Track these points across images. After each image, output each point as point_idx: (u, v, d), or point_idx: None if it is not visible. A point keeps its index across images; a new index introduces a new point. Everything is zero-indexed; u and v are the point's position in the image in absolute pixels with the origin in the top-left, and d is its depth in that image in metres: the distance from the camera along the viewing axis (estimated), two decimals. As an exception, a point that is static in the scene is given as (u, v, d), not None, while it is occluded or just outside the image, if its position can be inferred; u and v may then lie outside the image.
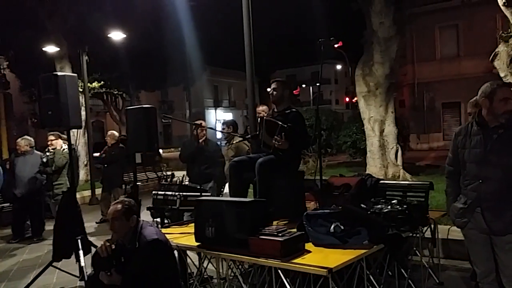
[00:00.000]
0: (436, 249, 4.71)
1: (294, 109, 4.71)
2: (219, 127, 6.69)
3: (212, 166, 6.30)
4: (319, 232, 3.50)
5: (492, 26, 20.14)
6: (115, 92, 20.58)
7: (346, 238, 3.42)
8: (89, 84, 13.41)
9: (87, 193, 12.04)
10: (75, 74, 5.12)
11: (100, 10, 13.55)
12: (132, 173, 12.78)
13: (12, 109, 21.61)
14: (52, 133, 7.80)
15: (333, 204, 4.07)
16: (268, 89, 4.84)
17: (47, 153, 7.79)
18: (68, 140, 5.09)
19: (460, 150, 3.27)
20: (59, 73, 4.82)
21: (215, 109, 49.99)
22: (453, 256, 5.40)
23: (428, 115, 23.56)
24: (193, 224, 4.23)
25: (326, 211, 3.63)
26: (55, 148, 7.73)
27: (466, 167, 3.22)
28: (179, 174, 5.99)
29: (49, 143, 7.81)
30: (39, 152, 8.19)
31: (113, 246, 3.33)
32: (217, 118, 46.74)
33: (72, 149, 7.12)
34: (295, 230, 3.62)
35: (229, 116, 47.42)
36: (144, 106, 4.63)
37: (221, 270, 3.88)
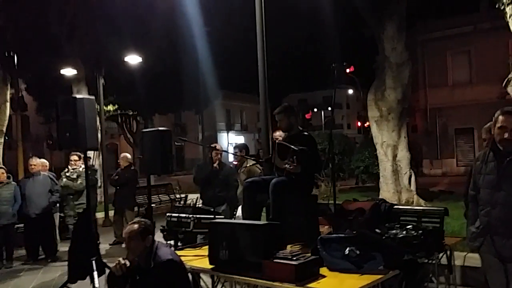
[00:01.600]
0: (453, 276, 4.63)
1: (306, 133, 4.74)
2: (231, 150, 6.74)
3: (225, 189, 6.32)
4: (334, 257, 3.48)
5: (504, 52, 20.19)
6: (130, 114, 20.86)
7: (361, 263, 3.38)
8: (104, 107, 13.63)
9: (101, 215, 12.09)
10: (93, 97, 5.24)
11: (117, 34, 13.87)
12: (144, 196, 13.00)
13: (29, 131, 21.98)
14: (77, 153, 8.04)
15: (347, 229, 4.05)
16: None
17: (67, 173, 8.02)
18: (85, 161, 5.17)
19: (477, 176, 3.29)
20: (77, 96, 4.94)
21: (227, 133, 50.24)
22: (469, 283, 5.30)
23: (441, 140, 23.42)
24: (206, 247, 4.23)
25: (340, 235, 3.61)
26: (75, 168, 7.95)
27: (480, 192, 3.24)
28: (192, 197, 6.02)
29: (72, 162, 8.10)
30: (47, 173, 8.34)
31: (128, 264, 3.35)
32: (229, 141, 46.91)
33: (93, 170, 7.17)
34: (309, 254, 3.60)
35: (241, 139, 47.60)
36: (160, 128, 4.71)
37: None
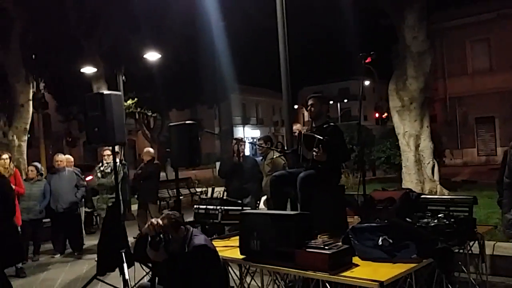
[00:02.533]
0: (484, 265, 4.59)
1: (332, 123, 4.75)
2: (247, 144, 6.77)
3: (250, 181, 6.35)
4: (366, 246, 3.48)
5: (525, 39, 19.79)
6: (149, 114, 21.05)
7: (394, 252, 3.38)
8: (124, 103, 13.74)
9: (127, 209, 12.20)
10: (120, 93, 5.31)
11: (135, 31, 13.95)
12: (166, 189, 13.11)
13: (51, 129, 22.36)
14: (109, 148, 8.02)
15: (377, 218, 4.04)
16: (303, 105, 4.89)
17: (101, 167, 8.08)
18: (113, 155, 5.24)
19: (512, 161, 3.25)
20: (105, 92, 5.00)
21: (243, 127, 50.34)
22: (499, 272, 5.25)
23: (461, 130, 23.09)
24: (235, 238, 4.27)
25: (372, 224, 3.60)
26: (109, 163, 7.95)
27: None
28: (218, 190, 6.08)
29: (105, 157, 8.12)
30: (72, 169, 8.48)
31: (161, 224, 3.37)
32: (245, 135, 46.99)
33: (123, 164, 7.20)
34: (340, 243, 3.61)
35: (257, 133, 47.67)
36: (186, 122, 4.76)
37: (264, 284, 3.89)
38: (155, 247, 3.31)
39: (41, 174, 8.30)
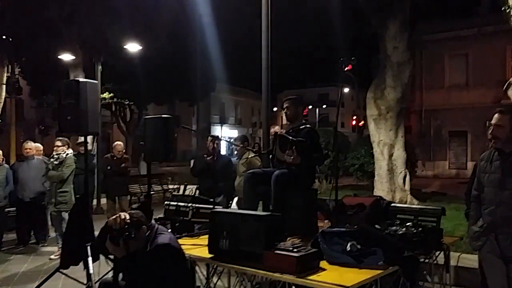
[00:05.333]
0: (449, 276, 4.66)
1: (308, 125, 4.75)
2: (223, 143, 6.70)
3: (223, 180, 6.31)
4: (335, 250, 3.49)
5: (501, 57, 20.35)
6: (126, 103, 20.72)
7: (361, 258, 3.39)
8: (101, 95, 13.51)
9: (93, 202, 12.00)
10: (97, 82, 5.18)
11: (117, 21, 13.74)
12: (137, 184, 12.93)
13: (23, 115, 21.78)
14: (60, 139, 7.57)
15: (347, 224, 4.05)
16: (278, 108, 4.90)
17: (51, 159, 7.52)
18: (85, 146, 5.13)
19: (481, 175, 3.31)
20: (81, 79, 4.87)
21: (221, 126, 50.19)
22: (463, 283, 5.35)
23: (435, 142, 23.56)
24: (204, 237, 4.22)
25: (342, 229, 3.61)
26: (59, 154, 7.41)
27: (484, 191, 3.27)
28: (190, 187, 6.00)
29: (55, 148, 7.48)
30: (41, 157, 8.21)
31: (128, 220, 3.29)
32: (223, 134, 46.84)
33: (91, 155, 6.91)
34: (309, 246, 3.60)
35: (234, 133, 47.57)
36: (163, 115, 4.67)
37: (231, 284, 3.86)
38: (115, 241, 3.23)
39: (3, 160, 8.00)
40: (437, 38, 21.93)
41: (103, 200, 11.32)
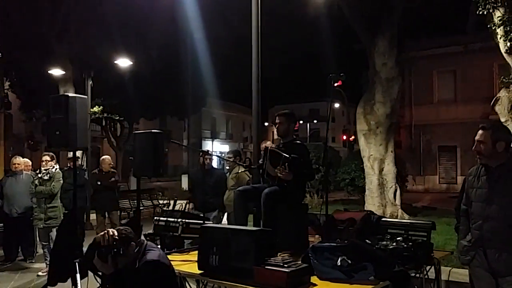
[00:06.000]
0: (439, 290, 4.65)
1: (299, 141, 4.76)
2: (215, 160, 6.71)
3: (216, 195, 6.27)
4: (325, 266, 3.46)
5: (489, 73, 20.67)
6: (116, 118, 20.65)
7: (352, 273, 3.37)
8: (91, 109, 13.48)
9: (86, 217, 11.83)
10: (86, 97, 5.17)
11: (107, 37, 13.78)
12: (126, 199, 12.82)
13: (12, 130, 21.59)
14: (47, 153, 7.57)
15: (337, 239, 4.04)
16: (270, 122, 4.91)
17: (39, 174, 7.45)
18: (74, 161, 5.08)
19: (469, 190, 3.33)
20: (70, 94, 4.85)
21: (212, 141, 50.13)
22: (453, 298, 5.34)
23: (424, 157, 23.73)
24: (194, 252, 4.18)
25: (332, 244, 3.60)
26: (48, 169, 7.37)
27: (472, 206, 3.29)
28: (180, 202, 5.97)
29: (43, 163, 7.42)
30: (30, 172, 8.12)
31: (116, 237, 3.25)
32: (214, 149, 46.77)
33: (82, 170, 6.81)
34: (299, 262, 3.58)
35: (225, 148, 47.54)
36: (152, 130, 4.66)
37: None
38: (103, 258, 3.18)
39: None
40: (426, 55, 22.24)
41: (92, 216, 11.21)
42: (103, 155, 10.51)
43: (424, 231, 4.44)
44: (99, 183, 8.71)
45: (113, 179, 8.83)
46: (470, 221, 3.32)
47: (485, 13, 7.25)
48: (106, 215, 8.87)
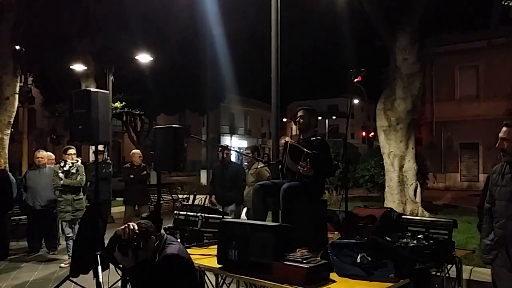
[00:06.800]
0: (461, 289, 4.59)
1: (319, 137, 4.74)
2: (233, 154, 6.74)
3: (234, 189, 6.30)
4: (345, 262, 3.45)
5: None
6: (137, 113, 20.87)
7: (372, 270, 3.35)
8: (112, 104, 13.66)
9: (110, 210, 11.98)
10: (108, 92, 5.24)
11: (128, 33, 13.93)
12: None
13: (35, 124, 22.03)
14: (70, 147, 7.71)
15: (357, 235, 4.02)
16: (291, 117, 4.89)
17: (64, 168, 7.50)
18: (96, 155, 5.17)
19: (493, 188, 3.27)
20: (92, 89, 4.93)
21: (231, 136, 50.29)
22: (475, 298, 5.27)
23: (446, 154, 23.36)
24: (213, 246, 4.21)
25: (352, 241, 3.58)
26: (74, 163, 7.53)
27: (495, 205, 3.23)
28: (200, 197, 6.02)
29: (69, 156, 7.54)
30: (53, 166, 8.17)
31: (137, 230, 3.29)
32: (232, 145, 46.95)
33: (107, 163, 6.89)
34: (319, 258, 3.57)
35: (244, 143, 47.64)
36: (173, 125, 4.69)
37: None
38: (123, 251, 3.23)
39: None
40: (447, 50, 21.86)
41: (113, 209, 11.38)
42: (125, 150, 10.62)
43: (445, 229, 4.37)
44: (131, 176, 8.78)
45: (144, 172, 8.93)
46: (494, 220, 3.26)
47: (510, 4, 7.07)
48: (136, 208, 8.96)
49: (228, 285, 4.75)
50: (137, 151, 9.28)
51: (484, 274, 5.30)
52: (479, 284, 5.20)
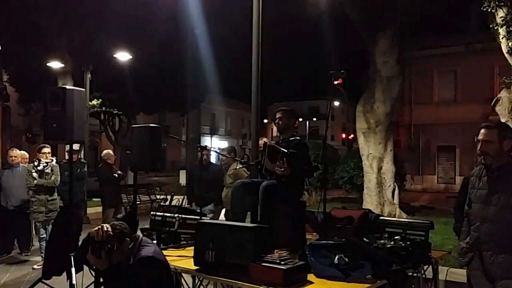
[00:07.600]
0: (436, 290, 4.63)
1: (298, 137, 4.73)
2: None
3: (213, 190, 6.24)
4: (322, 263, 3.43)
5: (489, 74, 20.63)
6: (115, 112, 20.56)
7: (349, 271, 3.34)
8: (89, 102, 13.43)
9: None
10: (84, 89, 5.12)
11: (107, 30, 13.72)
12: (124, 194, 12.75)
13: (10, 123, 21.50)
14: (44, 145, 7.52)
15: (335, 236, 4.01)
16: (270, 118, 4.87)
17: (38, 167, 7.35)
18: (70, 154, 5.04)
19: (471, 190, 3.29)
20: (67, 87, 4.81)
21: (211, 137, 50.09)
22: (450, 298, 5.33)
23: (423, 157, 23.72)
24: (190, 248, 4.15)
25: (330, 242, 3.57)
26: (48, 162, 7.38)
27: (472, 207, 3.24)
28: (177, 197, 5.93)
29: (44, 155, 7.39)
30: (27, 165, 7.99)
31: (110, 232, 3.21)
32: (213, 145, 46.74)
33: (81, 163, 6.77)
34: (297, 259, 3.55)
35: (224, 144, 47.48)
36: (150, 125, 4.61)
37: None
38: (97, 253, 3.14)
39: None
40: (426, 54, 22.19)
41: (89, 210, 11.17)
42: (102, 149, 10.45)
43: (422, 230, 4.41)
44: (115, 175, 8.60)
45: (119, 172, 8.78)
46: (470, 222, 3.27)
47: (489, 10, 7.19)
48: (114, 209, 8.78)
49: (205, 287, 4.68)
50: (108, 150, 9.14)
51: (460, 274, 5.37)
52: (455, 285, 5.26)
